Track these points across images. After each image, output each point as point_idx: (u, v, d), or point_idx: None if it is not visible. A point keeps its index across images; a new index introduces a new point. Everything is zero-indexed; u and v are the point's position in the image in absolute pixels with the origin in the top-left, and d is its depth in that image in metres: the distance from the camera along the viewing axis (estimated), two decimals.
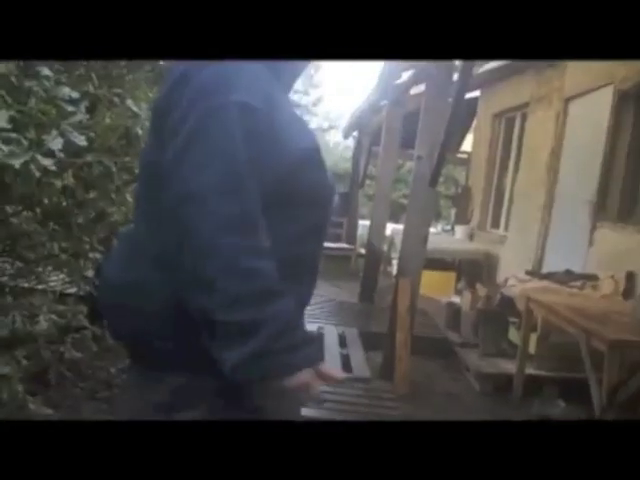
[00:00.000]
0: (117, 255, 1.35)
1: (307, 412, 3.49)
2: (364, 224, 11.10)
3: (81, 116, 1.65)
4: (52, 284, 3.53)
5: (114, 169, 1.94)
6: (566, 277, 5.09)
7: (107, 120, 1.93)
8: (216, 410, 1.16)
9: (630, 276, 4.68)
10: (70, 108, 1.65)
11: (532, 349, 4.67)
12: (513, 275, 5.83)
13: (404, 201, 14.58)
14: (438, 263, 8.06)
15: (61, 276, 3.34)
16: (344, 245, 11.27)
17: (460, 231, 9.36)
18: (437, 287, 7.67)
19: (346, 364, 4.64)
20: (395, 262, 9.36)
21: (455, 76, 4.74)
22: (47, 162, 1.45)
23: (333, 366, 4.49)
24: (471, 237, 9.07)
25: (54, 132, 1.51)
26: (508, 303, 5.36)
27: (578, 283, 4.97)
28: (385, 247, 8.85)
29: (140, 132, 1.98)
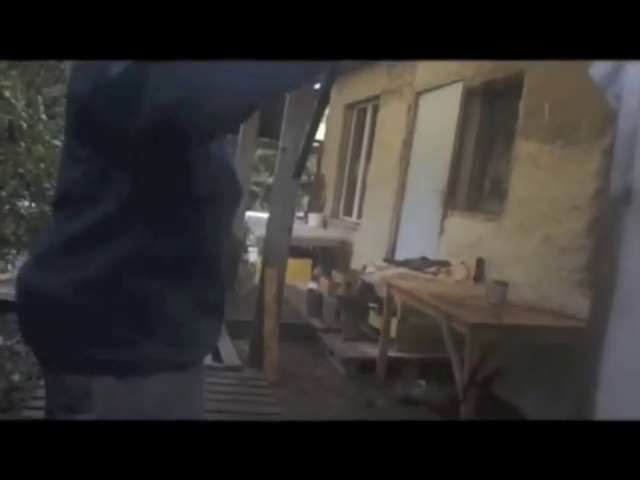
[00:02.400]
0: (32, 257, 1.32)
1: None
2: None
3: None
4: None
5: None
6: (422, 264, 5.38)
7: None
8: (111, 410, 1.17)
9: (480, 262, 5.04)
10: None
11: (392, 333, 4.91)
12: (371, 262, 6.06)
13: (255, 188, 14.66)
14: (293, 250, 8.17)
15: None
16: None
17: (313, 219, 9.55)
18: (294, 274, 7.78)
19: (215, 353, 4.63)
20: (251, 249, 9.42)
21: None
22: None
23: None
24: (324, 225, 9.29)
25: None
26: (368, 289, 5.59)
27: (433, 269, 5.27)
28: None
29: (25, 126, 1.86)
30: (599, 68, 1.49)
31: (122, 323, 1.13)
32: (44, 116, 2.68)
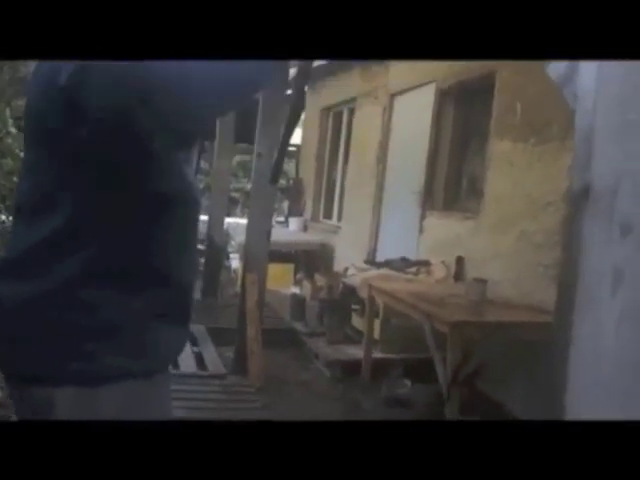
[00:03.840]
0: None
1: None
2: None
3: None
4: None
5: None
6: (402, 264, 5.41)
7: None
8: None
9: (459, 260, 5.08)
10: None
11: (376, 334, 4.95)
12: (352, 264, 6.09)
13: (235, 194, 14.65)
14: (275, 255, 8.18)
15: None
16: None
17: (294, 223, 9.58)
18: (276, 279, 7.79)
19: (200, 362, 4.65)
20: (232, 256, 9.42)
21: (292, 70, 4.86)
22: None
23: (187, 365, 4.48)
24: (305, 228, 9.32)
25: None
26: (350, 291, 5.62)
27: (413, 269, 5.31)
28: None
29: (9, 141, 1.87)
30: (556, 67, 1.52)
31: (81, 334, 1.13)
32: (13, 129, 2.67)
